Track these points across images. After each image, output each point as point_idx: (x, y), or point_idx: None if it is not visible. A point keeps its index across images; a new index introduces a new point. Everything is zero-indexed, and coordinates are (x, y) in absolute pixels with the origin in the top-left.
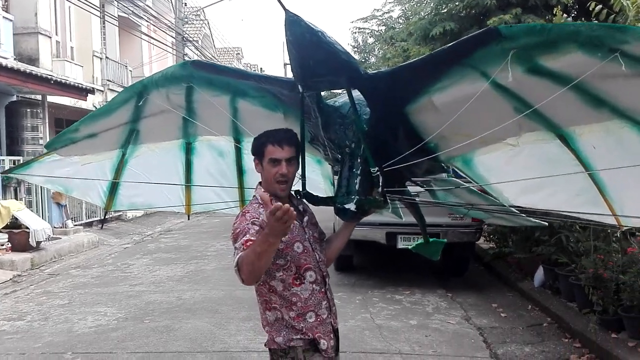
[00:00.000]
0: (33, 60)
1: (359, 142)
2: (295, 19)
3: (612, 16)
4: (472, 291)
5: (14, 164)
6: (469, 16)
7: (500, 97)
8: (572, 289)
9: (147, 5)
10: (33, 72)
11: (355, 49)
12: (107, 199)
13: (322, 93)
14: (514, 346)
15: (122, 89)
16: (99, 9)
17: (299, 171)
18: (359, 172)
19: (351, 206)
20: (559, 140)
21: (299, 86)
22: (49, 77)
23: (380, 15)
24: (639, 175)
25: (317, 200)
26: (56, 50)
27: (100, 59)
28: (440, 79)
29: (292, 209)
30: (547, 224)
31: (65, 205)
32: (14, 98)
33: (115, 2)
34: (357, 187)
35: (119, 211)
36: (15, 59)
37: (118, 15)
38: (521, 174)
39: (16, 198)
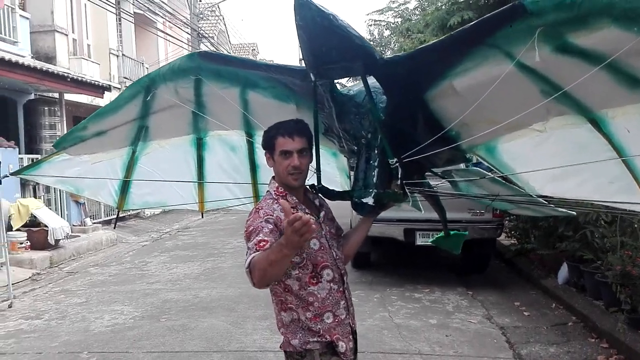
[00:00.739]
0: (50, 59)
1: (376, 132)
2: (305, 2)
3: None
4: (494, 289)
5: (32, 162)
6: (488, 4)
7: (526, 80)
8: (598, 287)
9: (163, 2)
10: (50, 70)
11: (371, 42)
12: (119, 198)
13: (336, 81)
14: (538, 346)
15: None
16: (114, 6)
17: (313, 163)
18: (376, 164)
19: (369, 200)
20: (589, 124)
21: (311, 74)
22: (66, 75)
23: (396, 7)
24: None
25: (334, 195)
26: (73, 48)
27: (117, 56)
28: (462, 61)
29: (312, 220)
30: (575, 213)
31: (84, 203)
32: (32, 96)
33: None
34: (374, 179)
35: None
36: (32, 57)
37: (134, 12)
38: (549, 162)
39: (35, 196)
